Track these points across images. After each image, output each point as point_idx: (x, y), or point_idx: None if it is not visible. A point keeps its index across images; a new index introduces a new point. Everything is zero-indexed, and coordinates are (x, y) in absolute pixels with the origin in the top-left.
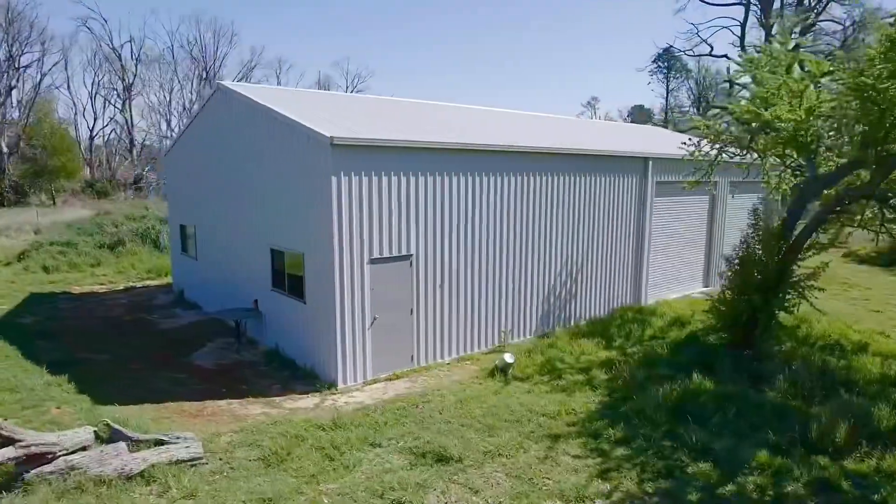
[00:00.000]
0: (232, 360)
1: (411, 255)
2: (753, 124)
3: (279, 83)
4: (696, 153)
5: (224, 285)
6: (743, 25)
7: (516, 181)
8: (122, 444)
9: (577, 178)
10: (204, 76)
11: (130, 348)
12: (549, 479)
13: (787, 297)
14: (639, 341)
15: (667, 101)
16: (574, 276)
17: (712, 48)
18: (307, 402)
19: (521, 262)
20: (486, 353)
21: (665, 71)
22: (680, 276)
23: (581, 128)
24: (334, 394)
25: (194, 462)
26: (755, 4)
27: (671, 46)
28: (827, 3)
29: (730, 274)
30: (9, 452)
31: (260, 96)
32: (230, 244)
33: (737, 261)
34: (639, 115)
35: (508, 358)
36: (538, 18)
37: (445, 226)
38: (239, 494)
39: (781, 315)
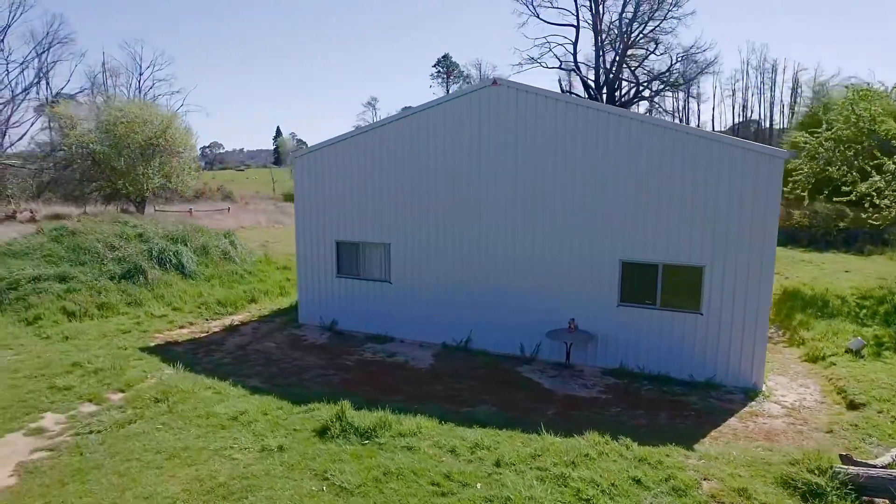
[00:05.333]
0: (599, 385)
1: None
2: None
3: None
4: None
5: (461, 310)
6: (575, 43)
7: None
8: None
9: None
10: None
11: (482, 394)
12: None
13: None
14: None
15: None
16: None
17: (561, 62)
18: (776, 409)
19: None
20: None
21: (445, 76)
22: None
23: None
24: (768, 397)
25: None
26: (585, 27)
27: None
28: (638, 34)
29: None
30: None
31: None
32: (505, 260)
33: None
34: None
35: (861, 341)
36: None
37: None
38: None
39: None
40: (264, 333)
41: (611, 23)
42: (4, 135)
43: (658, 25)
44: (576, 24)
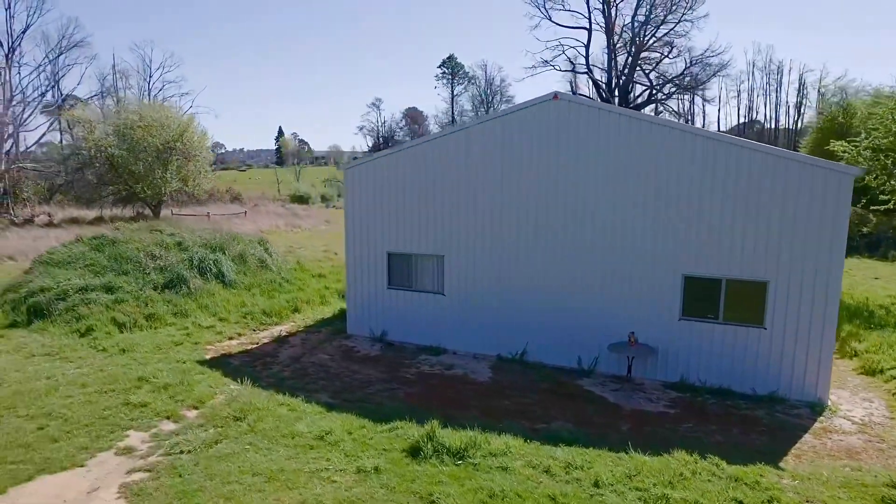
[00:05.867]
0: (663, 399)
1: None
2: None
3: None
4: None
5: (517, 322)
6: (587, 46)
7: None
8: None
9: None
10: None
11: (552, 409)
12: None
13: None
14: None
15: (452, 104)
16: None
17: (574, 65)
18: (846, 425)
19: None
20: None
21: (450, 77)
22: None
23: None
24: (835, 412)
25: None
26: (597, 30)
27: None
28: (650, 37)
29: None
30: None
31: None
32: (564, 274)
33: None
34: (416, 115)
35: None
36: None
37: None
38: None
39: None
40: (314, 345)
41: (623, 26)
42: (16, 138)
43: (672, 29)
44: (588, 26)
